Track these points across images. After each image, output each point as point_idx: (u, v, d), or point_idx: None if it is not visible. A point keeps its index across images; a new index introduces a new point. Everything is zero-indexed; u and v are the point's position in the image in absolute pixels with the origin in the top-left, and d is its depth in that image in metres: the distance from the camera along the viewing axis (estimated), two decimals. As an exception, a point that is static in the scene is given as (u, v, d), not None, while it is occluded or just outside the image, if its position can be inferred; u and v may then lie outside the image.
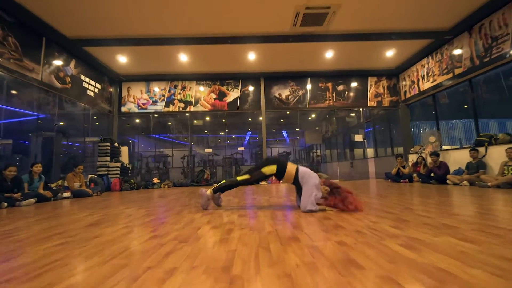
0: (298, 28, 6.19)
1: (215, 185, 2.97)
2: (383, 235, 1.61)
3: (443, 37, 6.72)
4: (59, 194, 5.04)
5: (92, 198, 5.21)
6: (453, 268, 1.06)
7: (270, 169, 2.69)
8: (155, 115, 9.50)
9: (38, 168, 4.81)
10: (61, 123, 6.75)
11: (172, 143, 14.17)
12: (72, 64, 6.89)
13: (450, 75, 6.94)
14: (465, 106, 8.35)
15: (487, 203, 2.86)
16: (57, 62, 6.41)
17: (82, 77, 7.34)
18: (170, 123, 12.08)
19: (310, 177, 2.59)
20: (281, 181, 2.83)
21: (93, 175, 6.84)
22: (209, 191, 2.90)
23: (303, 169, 2.68)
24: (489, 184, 4.73)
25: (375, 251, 1.31)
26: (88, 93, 7.59)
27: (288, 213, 2.61)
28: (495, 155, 5.44)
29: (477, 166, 5.61)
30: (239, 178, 2.78)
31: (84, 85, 7.40)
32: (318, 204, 2.56)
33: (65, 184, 5.62)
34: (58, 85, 6.36)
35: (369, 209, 2.65)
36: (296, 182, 2.68)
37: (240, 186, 2.91)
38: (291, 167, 2.71)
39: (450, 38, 6.73)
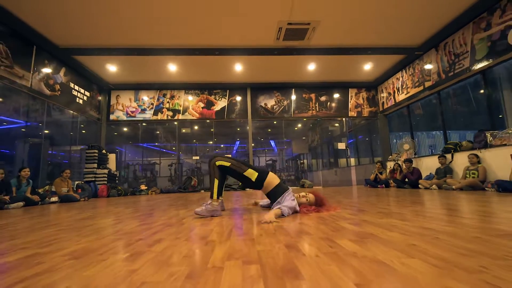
0: (281, 42, 6.62)
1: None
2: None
3: (414, 53, 7.31)
4: (47, 198, 5.14)
5: (80, 203, 5.33)
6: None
7: (251, 173, 2.54)
8: (144, 124, 9.69)
9: (26, 172, 4.92)
10: (48, 131, 6.82)
11: (160, 153, 14.26)
12: (62, 72, 7.04)
13: (421, 87, 7.51)
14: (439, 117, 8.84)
15: (451, 202, 3.12)
16: (47, 70, 6.55)
17: (72, 85, 7.49)
18: (158, 132, 12.19)
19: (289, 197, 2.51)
20: (261, 190, 2.63)
21: (80, 182, 6.92)
22: (212, 202, 2.46)
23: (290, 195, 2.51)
24: (453, 187, 5.17)
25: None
26: (77, 100, 7.72)
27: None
28: (460, 161, 5.92)
29: (444, 171, 6.06)
30: (218, 162, 2.51)
31: (73, 92, 7.54)
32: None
33: (53, 189, 5.71)
34: (47, 92, 6.50)
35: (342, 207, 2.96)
36: (274, 195, 2.55)
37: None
38: (272, 177, 2.59)
39: (420, 54, 7.33)
